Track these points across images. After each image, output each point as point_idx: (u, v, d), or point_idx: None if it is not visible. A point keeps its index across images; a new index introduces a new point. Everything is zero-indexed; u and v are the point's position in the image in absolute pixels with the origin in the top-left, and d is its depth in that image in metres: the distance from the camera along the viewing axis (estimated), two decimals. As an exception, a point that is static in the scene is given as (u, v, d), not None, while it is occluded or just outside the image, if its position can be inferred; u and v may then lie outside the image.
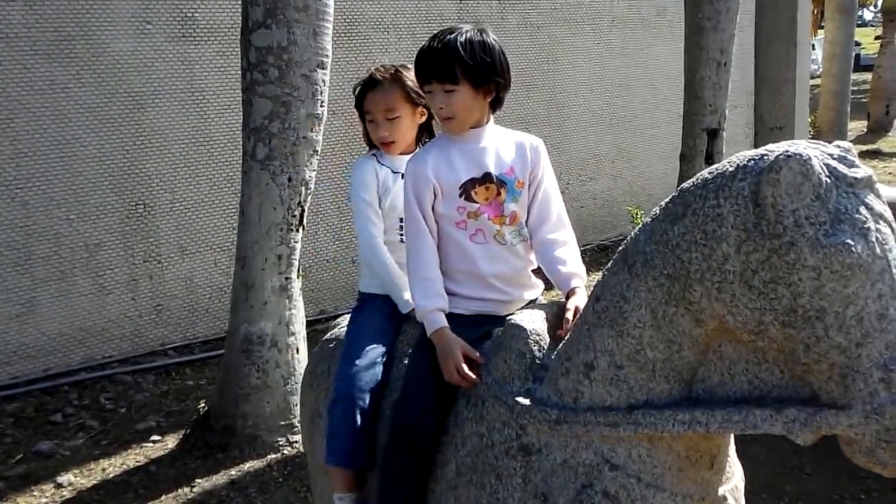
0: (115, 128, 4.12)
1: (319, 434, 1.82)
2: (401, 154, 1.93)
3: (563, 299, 1.63)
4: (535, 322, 1.53)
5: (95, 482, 3.09)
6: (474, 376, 1.52)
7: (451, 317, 1.63)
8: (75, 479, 3.12)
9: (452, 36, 1.58)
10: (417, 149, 1.90)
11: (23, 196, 3.89)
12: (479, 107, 1.62)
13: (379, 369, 1.71)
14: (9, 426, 3.57)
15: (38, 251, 3.95)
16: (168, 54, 4.24)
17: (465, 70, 1.56)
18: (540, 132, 6.09)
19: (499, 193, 1.62)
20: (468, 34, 1.59)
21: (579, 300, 1.58)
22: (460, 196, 1.61)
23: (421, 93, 1.81)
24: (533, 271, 1.74)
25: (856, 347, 1.13)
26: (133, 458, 3.26)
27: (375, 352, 1.74)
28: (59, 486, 3.07)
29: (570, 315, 1.55)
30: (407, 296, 1.81)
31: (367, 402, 1.68)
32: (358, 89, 1.96)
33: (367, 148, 2.02)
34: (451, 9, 5.41)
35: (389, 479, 1.58)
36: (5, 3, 3.77)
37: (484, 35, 1.60)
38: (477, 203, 1.62)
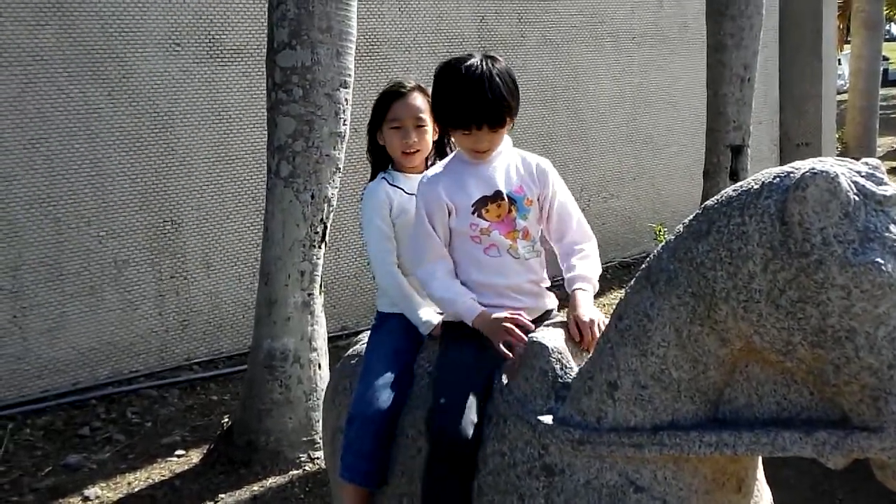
0: (145, 147, 4.22)
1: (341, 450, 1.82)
2: (415, 172, 1.92)
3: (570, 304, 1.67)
4: (556, 340, 1.53)
5: (121, 496, 3.12)
6: (529, 325, 1.59)
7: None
8: (102, 493, 3.15)
9: (499, 85, 1.61)
10: (426, 168, 1.92)
11: (55, 213, 3.99)
12: None
13: (396, 389, 1.71)
14: (38, 439, 3.63)
15: (68, 267, 4.04)
16: (196, 75, 4.34)
17: (511, 113, 1.66)
18: (562, 149, 6.13)
19: (510, 210, 1.68)
20: (500, 75, 1.62)
21: (581, 309, 1.61)
22: (473, 213, 1.67)
23: None
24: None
25: (888, 369, 1.10)
26: (158, 472, 3.30)
27: (393, 371, 1.74)
28: (87, 499, 3.10)
29: (573, 325, 1.59)
30: (425, 317, 1.81)
31: (384, 421, 1.68)
32: (380, 99, 1.94)
33: (371, 169, 2.00)
34: (472, 28, 5.45)
35: (432, 498, 1.54)
36: (40, 26, 3.89)
37: (500, 64, 1.65)
38: (487, 221, 1.67)
